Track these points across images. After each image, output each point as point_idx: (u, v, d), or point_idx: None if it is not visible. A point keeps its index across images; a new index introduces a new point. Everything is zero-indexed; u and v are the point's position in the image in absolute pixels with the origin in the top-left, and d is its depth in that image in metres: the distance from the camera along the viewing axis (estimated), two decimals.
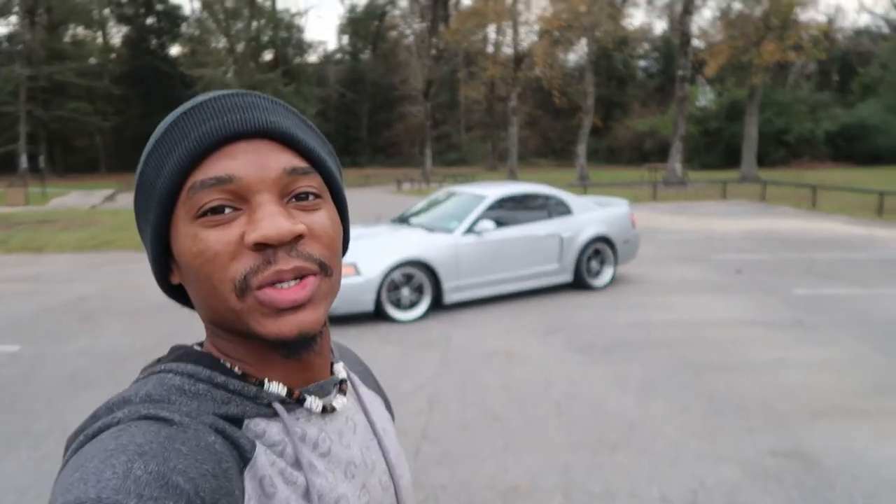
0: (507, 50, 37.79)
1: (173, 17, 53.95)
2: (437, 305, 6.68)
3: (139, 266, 9.03)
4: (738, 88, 35.54)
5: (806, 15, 29.98)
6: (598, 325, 6.17)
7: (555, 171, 41.35)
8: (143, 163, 0.57)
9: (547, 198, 7.74)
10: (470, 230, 6.91)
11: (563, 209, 7.70)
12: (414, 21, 54.92)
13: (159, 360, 0.58)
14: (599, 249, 7.77)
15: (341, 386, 0.64)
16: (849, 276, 8.28)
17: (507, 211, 7.36)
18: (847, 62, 46.84)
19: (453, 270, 6.69)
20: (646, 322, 6.22)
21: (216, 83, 40.63)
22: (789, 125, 39.83)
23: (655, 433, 3.78)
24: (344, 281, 5.24)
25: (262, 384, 0.57)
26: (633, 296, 7.39)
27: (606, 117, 49.67)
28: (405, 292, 6.46)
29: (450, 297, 6.71)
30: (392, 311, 6.33)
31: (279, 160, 0.55)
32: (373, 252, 6.39)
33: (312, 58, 60.53)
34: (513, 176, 31.43)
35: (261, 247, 0.52)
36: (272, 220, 0.52)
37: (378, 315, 6.31)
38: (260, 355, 0.58)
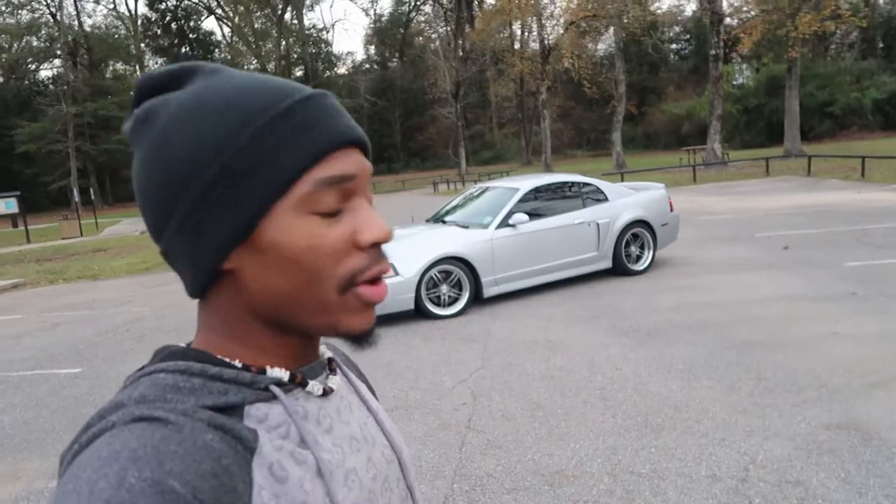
0: (534, 45, 37.62)
1: (206, 45, 55.62)
2: (477, 300, 6.71)
3: None
4: (776, 63, 34.49)
5: None
6: (641, 309, 6.08)
7: (591, 162, 40.87)
8: (232, 137, 0.52)
9: (581, 186, 7.67)
10: (504, 223, 6.91)
11: (598, 196, 7.63)
12: (439, 25, 55.26)
13: (143, 367, 0.57)
14: (638, 234, 7.68)
15: (331, 365, 0.65)
16: None
17: (542, 202, 7.33)
18: (892, 27, 44.87)
19: (490, 264, 6.70)
20: (689, 304, 6.10)
21: None
22: (833, 96, 38.49)
23: (702, 413, 3.71)
24: None
25: (263, 372, 0.57)
26: (676, 279, 7.26)
27: (641, 103, 48.89)
28: (444, 289, 6.50)
29: (489, 291, 6.72)
30: (432, 308, 6.38)
31: (368, 165, 0.59)
32: (409, 251, 6.45)
33: (342, 70, 61.61)
34: (548, 169, 31.20)
35: (372, 246, 0.56)
36: (379, 222, 0.56)
37: (419, 313, 6.38)
38: (273, 346, 0.58)
